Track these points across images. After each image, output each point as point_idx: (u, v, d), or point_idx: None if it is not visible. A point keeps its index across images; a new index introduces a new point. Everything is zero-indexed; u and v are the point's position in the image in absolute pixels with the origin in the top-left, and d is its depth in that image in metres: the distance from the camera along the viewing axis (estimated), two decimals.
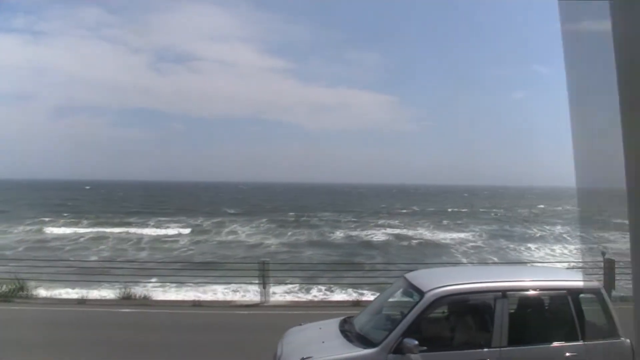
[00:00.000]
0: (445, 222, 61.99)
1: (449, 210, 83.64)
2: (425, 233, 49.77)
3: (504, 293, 5.62)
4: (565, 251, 36.30)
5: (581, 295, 5.77)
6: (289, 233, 46.78)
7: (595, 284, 6.00)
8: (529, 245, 41.28)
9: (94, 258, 30.04)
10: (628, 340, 5.44)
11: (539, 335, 5.70)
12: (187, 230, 46.22)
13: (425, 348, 5.36)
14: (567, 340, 5.54)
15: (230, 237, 43.59)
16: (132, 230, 45.84)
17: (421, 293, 5.73)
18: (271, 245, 39.67)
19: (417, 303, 5.69)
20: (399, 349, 5.34)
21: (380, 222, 61.27)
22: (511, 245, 41.19)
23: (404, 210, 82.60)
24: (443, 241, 44.81)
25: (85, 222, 53.88)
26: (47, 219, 54.66)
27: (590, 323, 5.73)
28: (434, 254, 35.58)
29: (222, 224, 54.10)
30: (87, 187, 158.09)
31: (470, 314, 6.04)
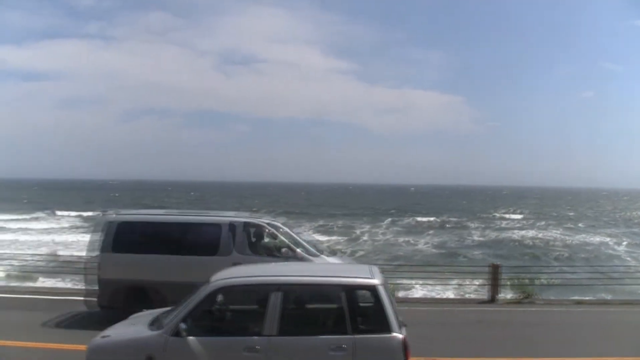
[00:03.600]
0: (571, 225, 59.20)
1: (571, 214, 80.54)
2: (581, 236, 47.17)
3: (279, 287, 6.08)
4: None
5: (356, 291, 6.16)
6: (424, 237, 44.77)
7: (373, 281, 6.08)
8: None
9: None
10: (400, 336, 5.76)
11: (309, 327, 6.17)
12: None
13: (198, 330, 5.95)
14: (336, 333, 5.90)
15: (384, 240, 42.71)
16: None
17: (208, 284, 6.37)
18: (428, 246, 38.89)
19: (199, 292, 6.28)
20: (177, 333, 5.88)
21: (503, 223, 59.27)
22: None
23: (517, 211, 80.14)
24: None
25: None
26: None
27: (363, 318, 6.04)
28: None
29: (352, 226, 53.04)
30: (169, 189, 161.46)
31: (247, 304, 6.74)
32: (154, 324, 6.36)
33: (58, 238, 40.52)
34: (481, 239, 44.75)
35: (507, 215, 72.05)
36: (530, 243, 42.24)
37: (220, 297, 6.38)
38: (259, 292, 6.34)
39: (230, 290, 6.40)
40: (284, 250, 10.48)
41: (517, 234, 48.10)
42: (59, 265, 22.45)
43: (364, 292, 6.18)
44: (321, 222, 56.22)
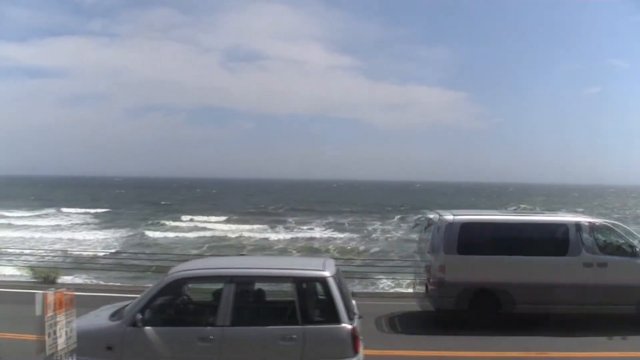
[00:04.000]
0: None
1: (580, 210, 79.32)
2: None
3: (231, 279, 6.27)
4: None
5: (307, 283, 6.30)
6: None
7: (323, 273, 6.25)
8: None
9: None
10: (349, 326, 5.93)
11: (261, 318, 6.57)
12: None
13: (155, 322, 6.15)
14: (287, 324, 6.13)
15: (397, 236, 42.33)
16: None
17: (165, 275, 6.67)
18: None
19: (156, 284, 6.59)
20: (134, 323, 6.06)
21: None
22: None
23: (527, 208, 79.06)
24: None
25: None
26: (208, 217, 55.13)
27: (313, 309, 6.24)
28: None
29: (363, 223, 52.86)
30: (174, 185, 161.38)
31: (202, 296, 7.11)
32: (116, 315, 6.54)
33: (69, 235, 40.43)
34: None
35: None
36: None
37: (175, 289, 6.59)
38: (213, 284, 6.63)
39: (185, 282, 6.64)
40: (638, 249, 10.35)
41: None
42: (74, 262, 22.36)
43: (314, 283, 6.36)
44: (331, 219, 55.59)
